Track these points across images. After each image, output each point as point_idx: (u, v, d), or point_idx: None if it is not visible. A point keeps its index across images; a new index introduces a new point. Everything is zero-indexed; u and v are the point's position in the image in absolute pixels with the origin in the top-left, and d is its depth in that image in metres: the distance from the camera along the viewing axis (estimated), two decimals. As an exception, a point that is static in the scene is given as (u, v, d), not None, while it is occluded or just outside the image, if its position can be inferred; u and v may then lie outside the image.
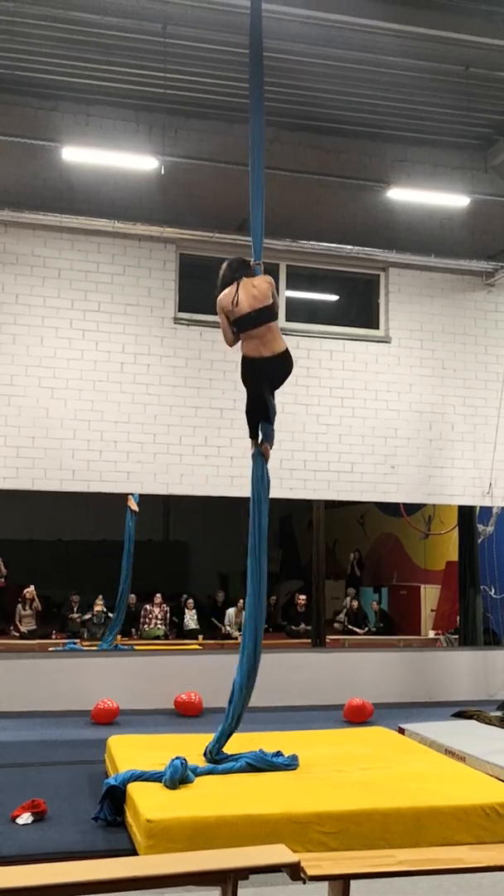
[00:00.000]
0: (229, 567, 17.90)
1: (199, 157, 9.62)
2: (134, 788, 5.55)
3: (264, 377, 6.44)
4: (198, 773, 5.85)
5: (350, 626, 15.46)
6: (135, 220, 9.76)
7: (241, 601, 15.26)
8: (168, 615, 14.62)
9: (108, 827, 5.60)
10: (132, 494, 11.36)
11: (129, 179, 9.72)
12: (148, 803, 5.23)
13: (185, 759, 5.70)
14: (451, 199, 10.14)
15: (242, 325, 6.36)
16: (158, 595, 14.60)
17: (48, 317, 9.73)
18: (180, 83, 9.40)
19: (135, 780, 5.65)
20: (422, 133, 10.64)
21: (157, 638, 13.93)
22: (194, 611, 15.04)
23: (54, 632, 13.75)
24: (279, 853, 4.28)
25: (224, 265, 6.59)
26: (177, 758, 5.69)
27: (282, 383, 6.60)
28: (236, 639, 14.29)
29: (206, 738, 6.93)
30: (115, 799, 5.67)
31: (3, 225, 9.61)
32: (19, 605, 14.22)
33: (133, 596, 14.94)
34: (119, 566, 12.38)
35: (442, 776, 6.01)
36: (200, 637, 13.93)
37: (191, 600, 15.00)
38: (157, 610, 14.60)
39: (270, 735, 7.26)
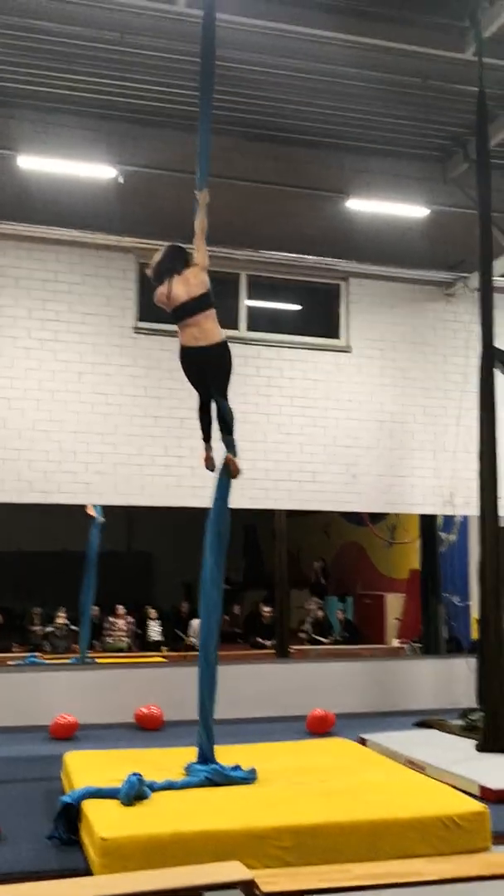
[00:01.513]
0: (194, 577, 17.77)
1: (158, 166, 9.58)
2: (88, 805, 5.45)
3: (203, 368, 6.41)
4: (155, 788, 5.76)
5: (315, 636, 15.43)
6: (93, 229, 9.69)
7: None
8: (132, 627, 14.49)
9: (64, 846, 5.48)
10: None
11: (88, 188, 9.65)
12: (102, 821, 5.13)
13: (140, 775, 5.61)
14: (409, 210, 10.20)
15: (180, 314, 6.39)
16: (121, 607, 14.45)
17: (5, 326, 9.61)
18: (139, 92, 9.36)
19: (90, 797, 5.55)
20: (381, 144, 10.68)
21: (121, 651, 13.78)
22: (158, 622, 14.93)
23: (15, 645, 13.56)
24: (234, 870, 4.25)
25: (160, 253, 6.60)
26: (133, 774, 5.60)
27: (225, 377, 6.50)
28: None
29: (166, 752, 6.89)
30: (70, 817, 5.56)
31: (-42, 234, 9.50)
32: (-24, 619, 14.02)
33: (96, 608, 14.81)
34: (81, 577, 12.24)
35: (400, 787, 5.98)
36: (164, 649, 13.81)
37: (153, 611, 14.88)
38: (120, 622, 14.45)
39: (230, 748, 7.16)
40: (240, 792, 5.84)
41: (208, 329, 6.37)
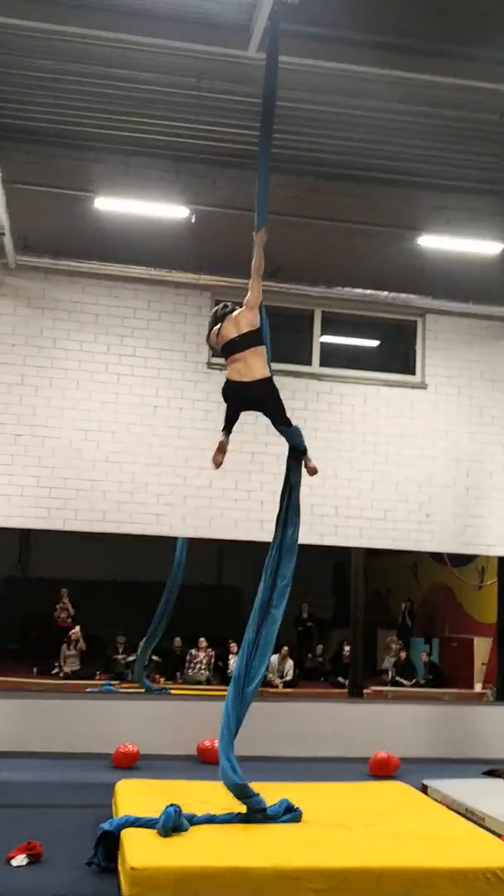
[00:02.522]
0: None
1: (231, 205, 9.78)
2: (126, 835, 5.50)
3: (241, 402, 6.56)
4: (194, 822, 5.77)
5: (397, 678, 15.16)
6: (171, 267, 9.95)
7: (284, 648, 15.18)
8: (213, 660, 14.55)
9: (102, 873, 5.56)
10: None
11: (166, 227, 9.92)
12: (135, 850, 5.17)
13: (178, 807, 5.63)
14: (483, 246, 10.08)
15: (228, 350, 6.58)
16: (203, 639, 14.55)
17: (84, 361, 9.95)
18: (213, 134, 9.61)
19: (129, 826, 5.60)
20: (458, 180, 10.62)
21: (200, 683, 13.87)
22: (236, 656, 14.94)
23: (98, 672, 13.82)
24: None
25: (211, 315, 6.98)
26: (171, 805, 5.63)
27: (280, 408, 6.70)
28: (277, 686, 14.16)
29: (217, 786, 6.85)
30: (108, 845, 5.62)
31: (42, 272, 9.90)
32: (64, 646, 14.35)
33: (178, 639, 14.96)
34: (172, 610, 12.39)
35: (446, 836, 5.81)
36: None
37: (234, 645, 14.89)
38: (201, 654, 14.57)
39: (284, 786, 7.10)
40: (280, 830, 5.79)
41: (254, 365, 6.50)
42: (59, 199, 9.71)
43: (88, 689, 11.81)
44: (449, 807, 7.38)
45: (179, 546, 11.43)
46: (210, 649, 14.43)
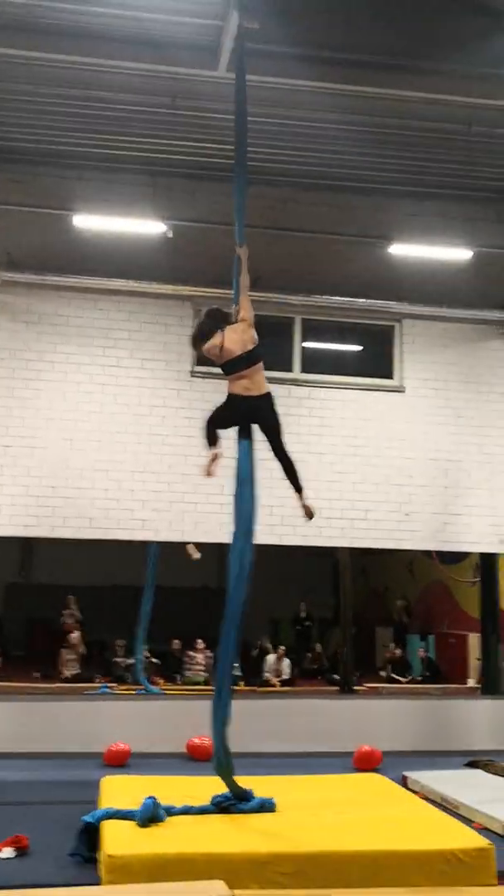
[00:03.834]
0: (280, 613, 18.09)
1: (208, 219, 10.05)
2: (106, 825, 5.79)
3: (248, 416, 6.73)
4: (172, 812, 6.06)
5: (393, 675, 15.42)
6: (152, 279, 10.25)
7: (281, 647, 15.46)
8: (211, 661, 14.80)
9: (85, 863, 5.85)
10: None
11: (145, 241, 10.19)
12: (113, 839, 5.46)
13: (156, 799, 5.92)
14: (453, 253, 10.35)
15: (233, 367, 6.69)
16: (200, 641, 14.81)
17: (70, 372, 10.25)
18: (192, 150, 9.89)
19: (109, 818, 5.89)
20: (432, 188, 10.89)
21: (198, 684, 14.12)
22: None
23: (99, 676, 14.09)
24: (215, 888, 4.48)
25: (205, 315, 7.02)
26: (149, 797, 5.92)
27: (279, 427, 6.84)
28: (275, 685, 14.45)
29: (199, 781, 7.14)
30: (91, 836, 5.91)
31: (27, 287, 10.20)
32: (63, 650, 14.64)
33: (177, 641, 15.25)
34: (169, 612, 12.67)
35: (414, 822, 6.09)
36: (241, 683, 14.07)
37: (231, 646, 15.09)
38: (199, 656, 14.83)
39: (264, 779, 7.37)
40: (253, 820, 6.07)
41: (258, 381, 6.71)
42: (41, 216, 9.99)
43: (88, 692, 12.08)
44: (426, 797, 7.68)
45: (152, 552, 11.70)
46: (208, 650, 14.69)
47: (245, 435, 6.72)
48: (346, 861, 5.37)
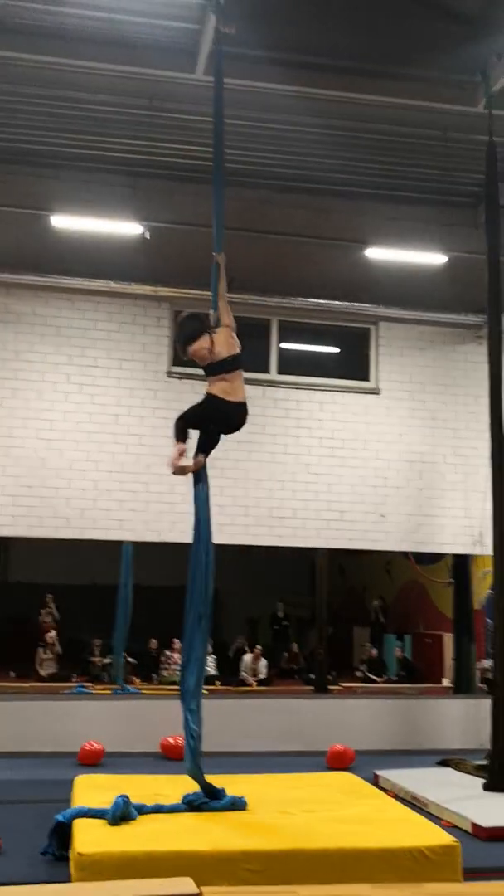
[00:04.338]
0: (259, 613, 18.15)
1: (186, 220, 10.10)
2: (78, 824, 5.82)
3: (220, 420, 6.77)
4: (144, 811, 6.09)
5: (369, 674, 15.52)
6: (130, 280, 10.28)
7: (258, 647, 15.51)
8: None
9: (57, 861, 5.88)
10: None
11: (124, 242, 10.25)
12: (84, 838, 5.49)
13: (127, 797, 5.95)
14: (429, 257, 10.46)
15: (218, 369, 6.65)
16: (177, 640, 14.82)
17: (47, 372, 10.27)
18: (170, 152, 9.97)
19: (81, 816, 5.92)
20: (408, 192, 11.01)
21: (175, 684, 14.07)
22: (213, 657, 15.25)
23: (75, 675, 14.09)
24: (183, 885, 4.53)
25: (187, 318, 6.97)
26: (120, 796, 5.95)
27: (236, 430, 6.86)
28: (251, 685, 14.50)
29: (171, 779, 7.18)
30: (63, 835, 5.95)
31: (4, 286, 10.21)
32: (40, 649, 14.62)
33: (154, 641, 15.26)
34: (146, 611, 12.67)
35: (380, 819, 6.14)
36: (217, 683, 14.10)
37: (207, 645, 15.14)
38: (176, 656, 14.83)
39: (236, 777, 7.43)
40: (223, 818, 6.10)
41: (238, 387, 6.68)
42: (18, 216, 10.01)
43: (62, 692, 12.08)
44: (396, 795, 7.77)
45: (125, 552, 11.74)
46: (184, 650, 14.68)
47: (200, 478, 6.87)
48: (314, 858, 5.43)
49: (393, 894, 4.60)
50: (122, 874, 5.16)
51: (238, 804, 6.33)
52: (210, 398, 6.78)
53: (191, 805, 6.24)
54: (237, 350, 6.72)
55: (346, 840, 5.62)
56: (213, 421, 6.85)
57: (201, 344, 6.69)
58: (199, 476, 6.83)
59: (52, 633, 14.85)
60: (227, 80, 7.31)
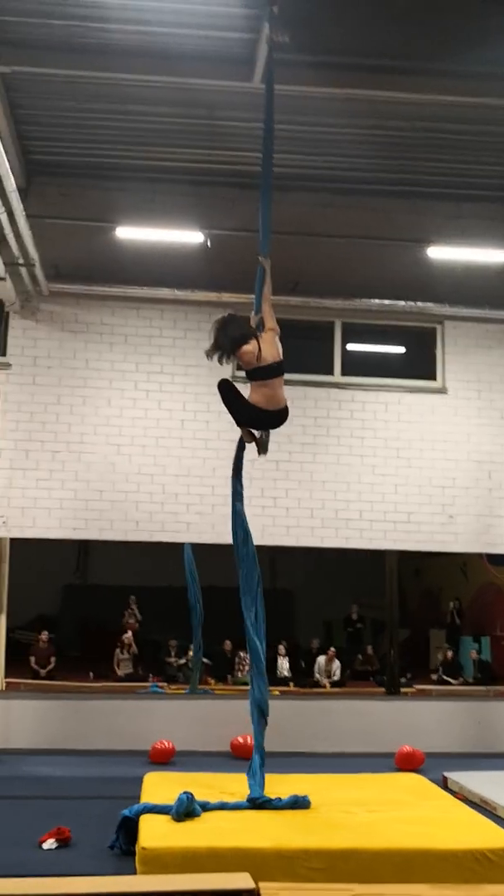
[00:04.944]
0: (333, 615, 18.16)
1: (253, 226, 10.14)
2: (144, 819, 5.98)
3: (266, 426, 6.92)
4: (208, 808, 6.22)
5: (444, 677, 15.38)
6: (194, 287, 10.46)
7: (332, 649, 15.52)
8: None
9: (124, 855, 6.05)
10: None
11: (187, 250, 10.43)
12: (148, 833, 5.65)
13: (191, 794, 6.09)
14: (493, 255, 10.34)
15: (262, 374, 6.67)
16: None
17: (115, 379, 10.53)
18: (230, 160, 10.10)
19: (146, 812, 6.09)
20: (472, 190, 10.89)
21: (247, 684, 14.23)
22: (286, 658, 15.33)
23: (152, 675, 14.35)
24: (240, 880, 4.63)
25: (229, 320, 6.91)
26: (184, 792, 6.09)
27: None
28: (325, 686, 14.53)
29: (240, 778, 7.28)
30: (129, 830, 6.11)
31: (74, 298, 10.51)
32: (117, 650, 14.93)
33: (228, 642, 15.42)
34: (220, 612, 12.82)
35: (446, 821, 6.14)
36: (291, 684, 14.16)
37: (282, 647, 15.25)
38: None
39: (302, 777, 7.51)
40: (286, 816, 6.19)
41: (279, 394, 6.70)
42: (86, 229, 10.29)
43: (137, 692, 12.32)
44: (464, 797, 7.70)
45: (187, 557, 11.84)
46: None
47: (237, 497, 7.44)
48: (374, 857, 5.46)
49: (450, 895, 4.60)
50: (185, 869, 5.30)
51: (301, 803, 6.41)
52: (254, 409, 6.77)
53: (255, 803, 6.34)
54: (281, 356, 6.71)
55: (407, 840, 5.64)
56: (253, 426, 7.01)
57: (250, 347, 6.63)
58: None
59: (129, 634, 15.14)
60: (281, 87, 7.37)
